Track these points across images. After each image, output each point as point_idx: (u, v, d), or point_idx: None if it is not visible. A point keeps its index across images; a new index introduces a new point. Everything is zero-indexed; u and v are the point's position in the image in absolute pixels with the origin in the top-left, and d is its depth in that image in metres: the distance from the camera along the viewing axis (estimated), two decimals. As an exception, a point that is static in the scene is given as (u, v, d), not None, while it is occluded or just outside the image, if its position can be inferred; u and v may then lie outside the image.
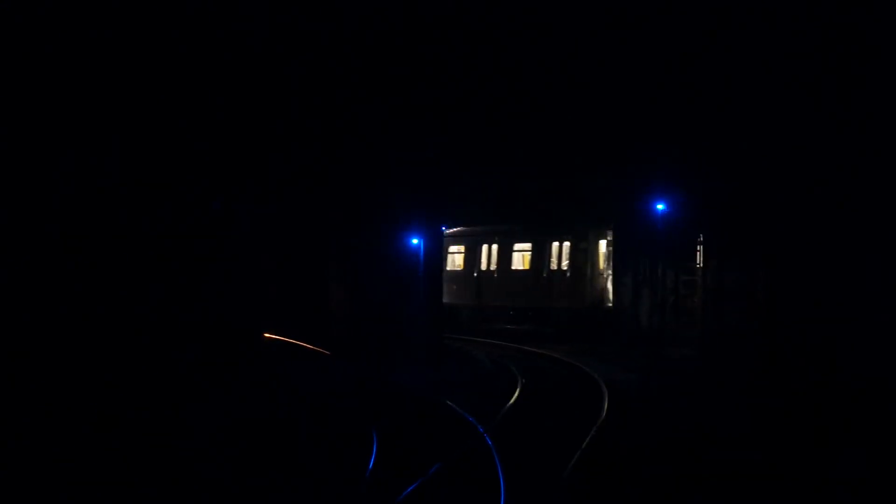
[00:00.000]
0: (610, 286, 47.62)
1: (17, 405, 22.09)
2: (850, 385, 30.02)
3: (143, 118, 26.22)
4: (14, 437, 20.59)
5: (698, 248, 41.94)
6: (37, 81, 24.33)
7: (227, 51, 30.10)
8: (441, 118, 40.49)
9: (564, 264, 49.41)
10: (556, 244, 49.92)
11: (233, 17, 30.30)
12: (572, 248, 49.16)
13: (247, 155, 32.91)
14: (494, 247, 52.94)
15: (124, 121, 25.85)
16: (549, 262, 50.10)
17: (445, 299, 48.37)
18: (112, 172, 25.55)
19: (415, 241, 41.44)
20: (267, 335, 35.41)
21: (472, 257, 54.12)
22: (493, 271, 53.13)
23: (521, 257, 52.13)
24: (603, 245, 48.28)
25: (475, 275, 53.62)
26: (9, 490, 17.43)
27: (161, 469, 19.11)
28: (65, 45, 24.73)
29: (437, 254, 44.43)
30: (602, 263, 48.31)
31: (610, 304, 47.27)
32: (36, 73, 24.27)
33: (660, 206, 41.39)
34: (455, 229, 54.55)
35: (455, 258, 54.98)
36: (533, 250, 51.19)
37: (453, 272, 54.40)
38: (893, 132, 30.79)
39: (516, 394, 29.03)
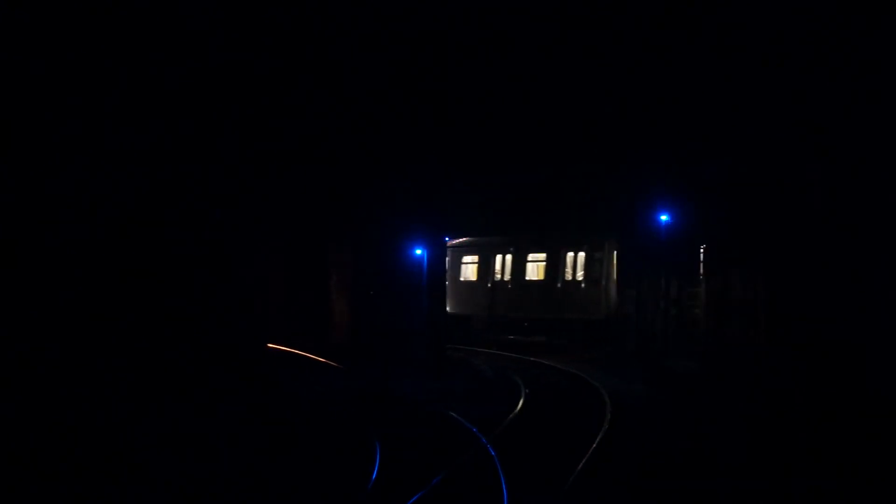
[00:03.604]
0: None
1: (26, 408, 22.09)
2: (854, 395, 29.97)
3: (141, 125, 26.20)
4: (23, 439, 20.60)
5: (701, 258, 41.93)
6: (42, 91, 24.36)
7: (231, 57, 30.09)
8: (447, 129, 40.52)
9: (580, 275, 49.08)
10: (570, 255, 49.48)
11: (236, 22, 30.27)
12: (587, 259, 48.84)
13: (249, 167, 32.91)
14: (508, 257, 52.12)
15: (124, 129, 25.85)
16: (564, 272, 49.61)
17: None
18: (117, 183, 25.55)
19: (418, 251, 41.43)
20: (270, 346, 35.43)
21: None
22: (506, 281, 52.70)
23: (535, 267, 51.61)
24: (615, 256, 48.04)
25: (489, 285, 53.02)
26: (15, 492, 17.46)
27: (164, 478, 19.11)
28: (68, 53, 24.76)
29: (441, 264, 44.38)
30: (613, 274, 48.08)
31: (615, 315, 47.14)
32: (39, 83, 24.30)
33: (663, 217, 41.33)
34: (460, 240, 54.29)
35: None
36: (547, 260, 50.68)
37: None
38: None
39: (520, 404, 29.10)
